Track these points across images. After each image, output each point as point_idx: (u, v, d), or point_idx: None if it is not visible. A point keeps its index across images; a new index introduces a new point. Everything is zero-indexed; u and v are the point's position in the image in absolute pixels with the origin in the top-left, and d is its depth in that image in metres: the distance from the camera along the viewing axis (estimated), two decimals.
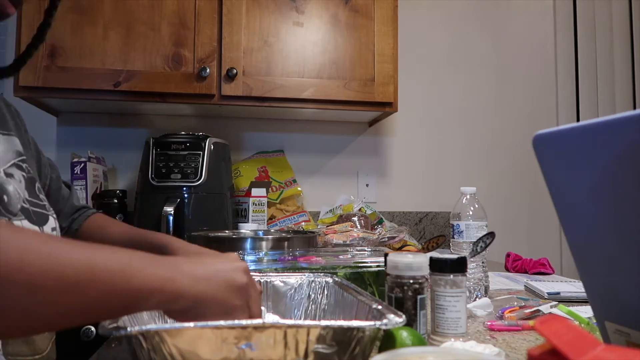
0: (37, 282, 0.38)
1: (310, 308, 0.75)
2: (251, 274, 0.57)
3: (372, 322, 0.51)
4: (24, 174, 0.73)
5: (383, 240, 1.45)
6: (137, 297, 0.45)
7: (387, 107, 1.67)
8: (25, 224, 0.68)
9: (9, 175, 0.69)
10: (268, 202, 1.73)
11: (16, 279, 0.38)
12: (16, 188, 0.69)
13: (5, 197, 0.66)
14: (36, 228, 0.70)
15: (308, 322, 0.50)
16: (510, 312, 0.86)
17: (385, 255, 0.72)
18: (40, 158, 0.88)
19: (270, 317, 0.74)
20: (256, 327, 0.47)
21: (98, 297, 0.42)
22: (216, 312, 0.50)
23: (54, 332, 0.78)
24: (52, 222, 0.75)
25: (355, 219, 1.66)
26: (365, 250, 1.06)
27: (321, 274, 0.78)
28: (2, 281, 0.37)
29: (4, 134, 0.74)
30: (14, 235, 0.39)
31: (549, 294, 1.04)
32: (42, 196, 0.76)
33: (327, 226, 1.61)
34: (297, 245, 1.21)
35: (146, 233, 0.90)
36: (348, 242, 1.40)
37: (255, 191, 1.65)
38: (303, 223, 1.72)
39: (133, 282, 0.44)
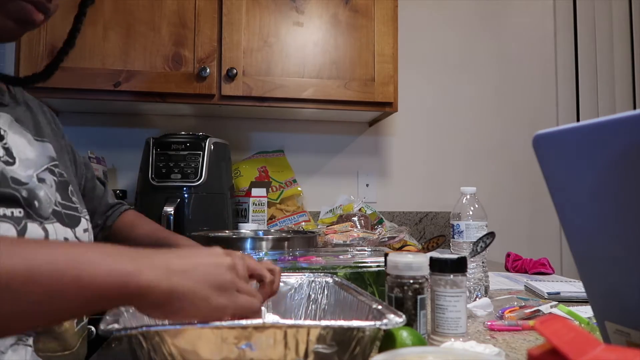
0: (18, 287, 0.40)
1: (310, 308, 0.75)
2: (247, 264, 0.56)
3: (372, 322, 0.51)
4: (55, 178, 0.76)
5: (383, 240, 1.45)
6: (93, 295, 0.44)
7: (387, 107, 1.67)
8: (57, 226, 0.70)
9: (41, 180, 0.72)
10: (268, 202, 1.73)
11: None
12: (47, 193, 0.72)
13: (36, 203, 0.68)
14: (68, 230, 0.72)
15: (308, 322, 0.50)
16: (510, 312, 0.87)
17: (385, 255, 0.72)
18: (76, 159, 0.91)
19: (270, 317, 0.74)
20: (256, 327, 0.47)
21: (41, 299, 0.42)
22: (199, 309, 0.47)
23: (85, 329, 0.79)
24: (84, 223, 0.77)
25: (355, 219, 1.65)
26: (365, 250, 1.06)
27: (321, 274, 0.78)
28: None
29: (38, 140, 0.77)
30: None
31: (549, 294, 1.04)
32: (74, 199, 0.78)
33: (327, 226, 1.61)
34: (297, 245, 1.21)
35: (169, 236, 0.94)
36: (348, 242, 1.40)
37: (255, 191, 1.65)
38: (303, 223, 1.72)
39: (84, 280, 0.43)
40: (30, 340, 0.65)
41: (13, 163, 0.68)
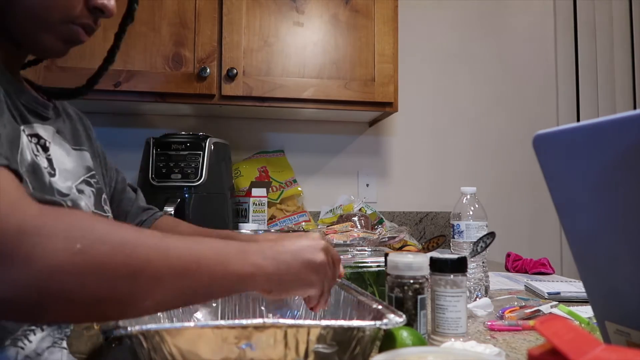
0: (160, 274, 0.47)
1: None
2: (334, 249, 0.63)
3: (372, 322, 0.51)
4: (92, 189, 0.79)
5: (383, 240, 1.45)
6: (234, 284, 0.52)
7: (387, 107, 1.67)
8: None
9: (80, 191, 0.75)
10: (268, 202, 1.73)
11: (145, 273, 0.46)
12: (86, 203, 0.75)
13: None
14: None
15: (308, 321, 0.50)
16: (510, 312, 0.87)
17: (386, 255, 0.72)
18: (106, 163, 0.94)
19: (270, 317, 0.74)
20: (256, 327, 0.47)
21: (202, 284, 0.49)
22: (296, 287, 0.57)
23: None
24: None
25: (356, 219, 1.65)
26: (365, 250, 1.06)
27: None
28: (135, 275, 0.45)
29: (76, 149, 0.80)
30: (138, 236, 0.48)
31: (549, 294, 1.04)
32: (106, 207, 0.82)
33: (328, 226, 1.61)
34: None
35: (213, 231, 0.98)
36: (348, 242, 1.40)
37: (255, 191, 1.65)
38: (303, 223, 1.72)
39: (230, 270, 0.51)
40: (65, 343, 0.68)
41: (54, 175, 0.71)
